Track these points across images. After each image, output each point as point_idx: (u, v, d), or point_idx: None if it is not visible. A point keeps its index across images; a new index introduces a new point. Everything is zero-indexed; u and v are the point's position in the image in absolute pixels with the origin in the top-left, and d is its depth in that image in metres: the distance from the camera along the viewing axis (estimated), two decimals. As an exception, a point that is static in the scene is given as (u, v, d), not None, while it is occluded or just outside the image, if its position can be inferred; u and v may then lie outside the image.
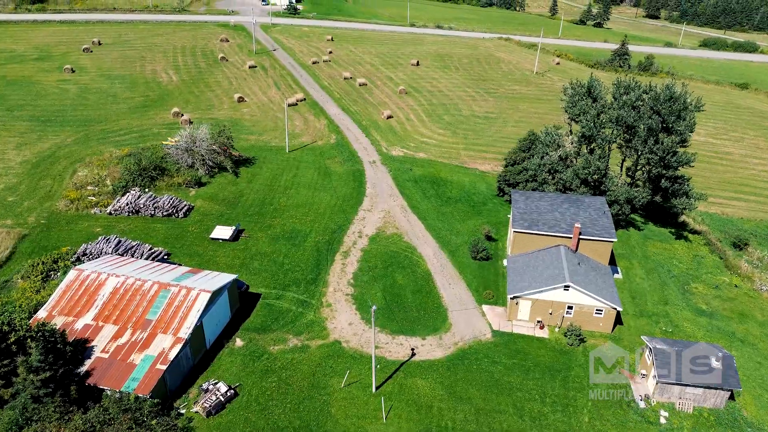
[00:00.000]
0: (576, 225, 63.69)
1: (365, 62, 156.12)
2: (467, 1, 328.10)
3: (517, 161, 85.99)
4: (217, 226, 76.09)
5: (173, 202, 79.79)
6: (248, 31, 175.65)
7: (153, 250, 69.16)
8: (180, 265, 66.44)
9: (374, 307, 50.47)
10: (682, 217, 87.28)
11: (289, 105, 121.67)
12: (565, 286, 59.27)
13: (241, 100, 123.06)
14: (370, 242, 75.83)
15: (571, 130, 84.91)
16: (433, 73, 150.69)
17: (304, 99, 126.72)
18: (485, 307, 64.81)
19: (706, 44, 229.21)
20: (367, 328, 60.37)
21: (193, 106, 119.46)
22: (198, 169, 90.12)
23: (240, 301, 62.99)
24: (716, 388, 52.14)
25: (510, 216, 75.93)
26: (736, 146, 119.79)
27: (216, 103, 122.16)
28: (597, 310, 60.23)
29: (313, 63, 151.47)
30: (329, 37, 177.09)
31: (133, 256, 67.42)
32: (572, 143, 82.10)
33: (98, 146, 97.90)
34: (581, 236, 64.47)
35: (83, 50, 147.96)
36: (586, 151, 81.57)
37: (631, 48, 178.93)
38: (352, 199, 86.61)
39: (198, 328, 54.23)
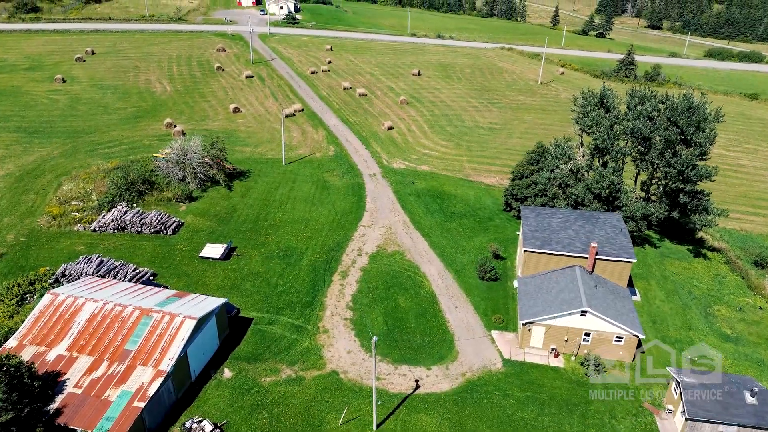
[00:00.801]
0: (592, 244, 59.09)
1: (365, 72, 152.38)
2: (468, 12, 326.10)
3: (525, 174, 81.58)
4: (208, 244, 71.51)
5: (161, 218, 75.24)
6: (246, 40, 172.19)
7: (138, 271, 64.52)
8: (166, 287, 61.81)
9: (375, 339, 45.81)
10: (700, 234, 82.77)
11: (287, 116, 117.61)
12: (582, 312, 54.60)
13: (236, 110, 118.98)
14: (370, 261, 71.21)
15: (581, 142, 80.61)
16: (435, 83, 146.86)
17: (302, 110, 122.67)
18: (495, 333, 60.09)
19: (711, 54, 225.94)
20: (367, 357, 55.60)
21: (187, 117, 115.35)
22: (189, 182, 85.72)
23: (229, 326, 58.27)
24: (752, 427, 47.28)
25: (519, 233, 71.39)
26: (750, 158, 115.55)
27: (211, 114, 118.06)
28: (617, 337, 55.50)
29: (312, 73, 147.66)
30: (328, 47, 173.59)
31: (116, 278, 62.81)
32: (584, 156, 77.78)
33: (86, 159, 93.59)
34: (598, 256, 59.87)
35: (76, 60, 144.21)
36: (598, 164, 77.16)
37: (636, 58, 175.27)
38: (352, 215, 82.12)
39: (182, 359, 49.48)
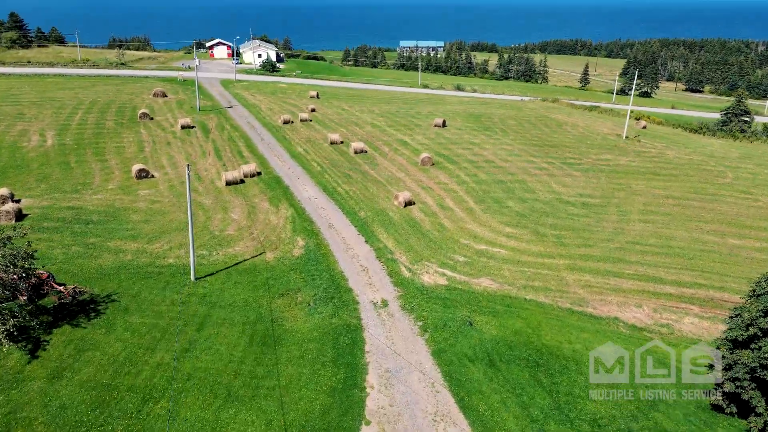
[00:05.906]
0: None
1: (364, 122, 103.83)
2: (478, 75, 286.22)
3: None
4: None
5: None
6: (202, 87, 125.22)
7: None
8: None
9: None
10: None
11: (228, 183, 67.60)
12: None
13: (142, 174, 68.88)
14: None
15: None
16: (470, 136, 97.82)
17: (259, 173, 72.70)
18: None
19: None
20: None
21: (50, 186, 65.15)
22: None
23: None
24: None
25: None
26: None
27: (97, 180, 67.94)
28: None
29: (285, 123, 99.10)
30: (313, 94, 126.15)
31: None
32: None
33: None
34: None
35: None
36: None
37: (708, 115, 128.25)
38: (329, 430, 29.92)
39: None
